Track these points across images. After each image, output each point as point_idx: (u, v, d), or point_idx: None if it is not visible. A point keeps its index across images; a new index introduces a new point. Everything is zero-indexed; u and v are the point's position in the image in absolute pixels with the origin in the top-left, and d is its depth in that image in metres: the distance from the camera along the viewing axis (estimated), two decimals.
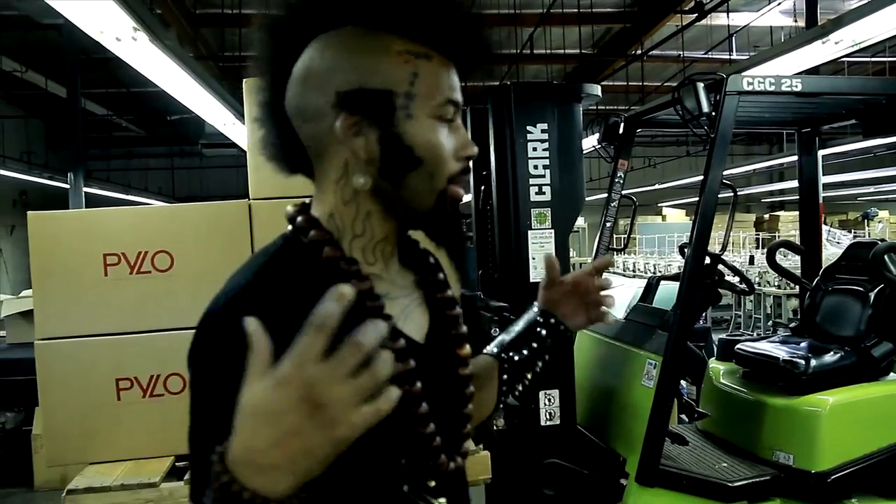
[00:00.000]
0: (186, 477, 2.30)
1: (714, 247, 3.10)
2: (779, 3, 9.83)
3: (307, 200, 0.95)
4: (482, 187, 3.20)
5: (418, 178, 0.88)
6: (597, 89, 2.71)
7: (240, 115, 5.83)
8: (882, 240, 3.79)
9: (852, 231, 17.57)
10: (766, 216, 21.06)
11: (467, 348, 1.01)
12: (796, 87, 2.71)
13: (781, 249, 4.13)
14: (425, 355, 0.93)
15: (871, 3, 3.43)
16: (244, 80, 2.54)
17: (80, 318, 2.41)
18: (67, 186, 9.77)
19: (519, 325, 1.25)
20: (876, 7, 3.37)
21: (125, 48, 3.20)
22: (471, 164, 0.95)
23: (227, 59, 10.52)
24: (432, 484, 0.91)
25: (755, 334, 9.54)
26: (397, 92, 0.86)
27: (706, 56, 11.35)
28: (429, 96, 0.87)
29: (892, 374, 3.01)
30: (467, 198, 2.40)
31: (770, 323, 9.88)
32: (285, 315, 0.77)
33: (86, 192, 10.16)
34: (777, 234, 17.15)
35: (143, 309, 2.45)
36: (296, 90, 0.90)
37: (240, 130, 6.69)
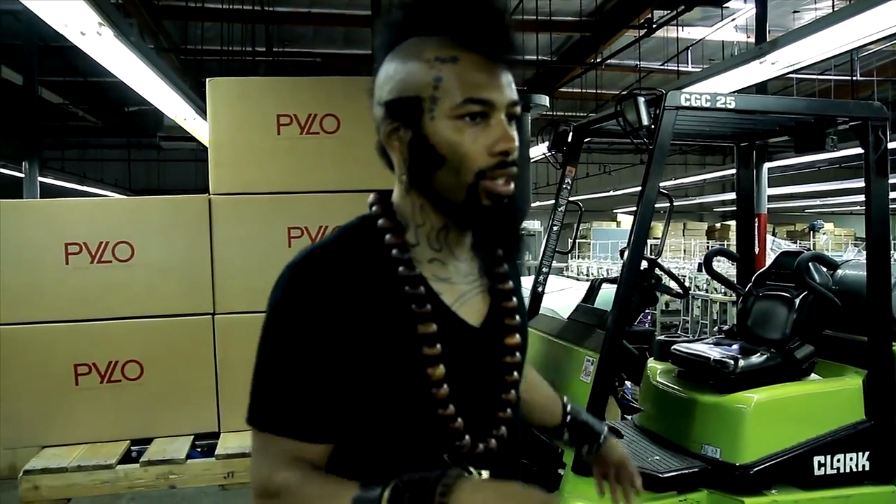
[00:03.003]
0: (142, 459, 2.39)
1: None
2: (732, 20, 10.17)
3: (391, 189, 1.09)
4: None
5: (445, 174, 0.97)
6: (545, 100, 2.86)
7: (201, 110, 5.86)
8: (808, 249, 4.01)
9: (798, 242, 18.12)
10: (718, 225, 21.59)
11: (516, 338, 1.09)
12: (730, 104, 2.90)
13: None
14: (478, 339, 1.05)
15: (804, 27, 3.66)
16: (207, 80, 2.63)
17: (40, 305, 2.49)
18: (18, 175, 9.63)
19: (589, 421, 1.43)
20: (809, 31, 3.60)
21: (89, 42, 3.25)
22: (513, 157, 0.99)
23: (189, 52, 10.49)
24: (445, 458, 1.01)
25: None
26: (424, 97, 0.97)
27: (661, 67, 11.66)
28: (450, 98, 0.96)
29: (812, 374, 3.22)
30: None
31: (716, 329, 10.18)
32: (345, 278, 0.98)
33: (39, 182, 10.03)
34: (727, 243, 17.60)
35: (103, 297, 2.53)
36: (373, 104, 1.05)
37: (200, 125, 6.70)
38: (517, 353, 1.09)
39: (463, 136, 0.96)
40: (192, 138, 8.77)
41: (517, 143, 1.00)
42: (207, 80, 2.66)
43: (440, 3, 0.98)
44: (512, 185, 1.00)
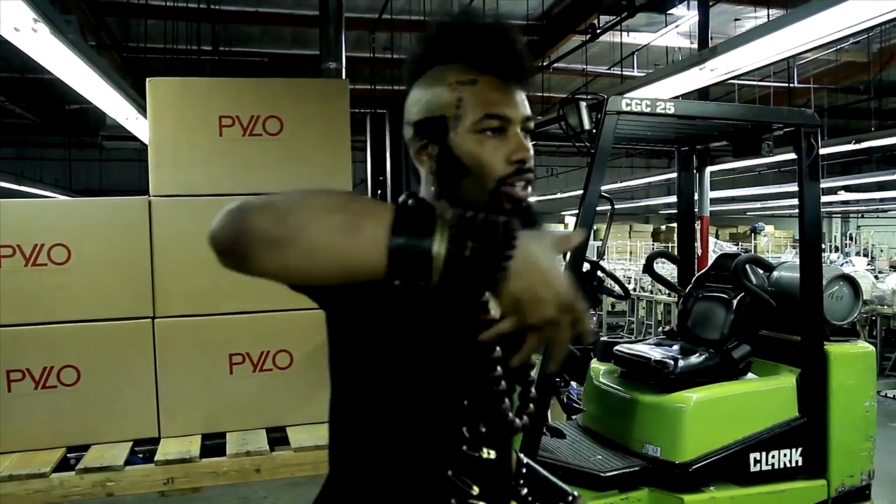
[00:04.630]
0: (78, 466, 2.33)
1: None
2: (676, 26, 10.38)
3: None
4: (379, 191, 3.34)
5: (469, 182, 1.09)
6: None
7: (143, 110, 5.73)
8: (749, 251, 4.12)
9: (740, 244, 18.54)
10: (664, 227, 21.98)
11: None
12: (669, 109, 2.97)
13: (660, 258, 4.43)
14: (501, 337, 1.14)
15: (741, 35, 3.77)
16: (148, 80, 2.59)
17: None
18: None
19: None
20: (746, 39, 3.70)
21: (24, 39, 3.16)
22: (528, 165, 1.10)
23: (133, 49, 10.26)
24: (483, 430, 1.10)
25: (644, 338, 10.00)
26: (448, 116, 1.10)
27: (608, 72, 11.83)
28: (471, 115, 1.08)
29: (749, 373, 3.31)
30: None
31: (660, 329, 10.39)
32: None
33: None
34: (672, 245, 17.93)
35: (38, 301, 2.47)
36: (403, 124, 1.17)
37: (143, 125, 6.56)
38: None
39: (484, 148, 1.08)
40: (135, 138, 8.57)
41: (532, 153, 1.11)
42: (148, 79, 2.62)
43: (458, 35, 1.11)
44: (529, 190, 1.11)
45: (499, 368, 1.07)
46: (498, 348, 1.07)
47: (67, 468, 2.38)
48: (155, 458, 2.39)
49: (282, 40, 11.71)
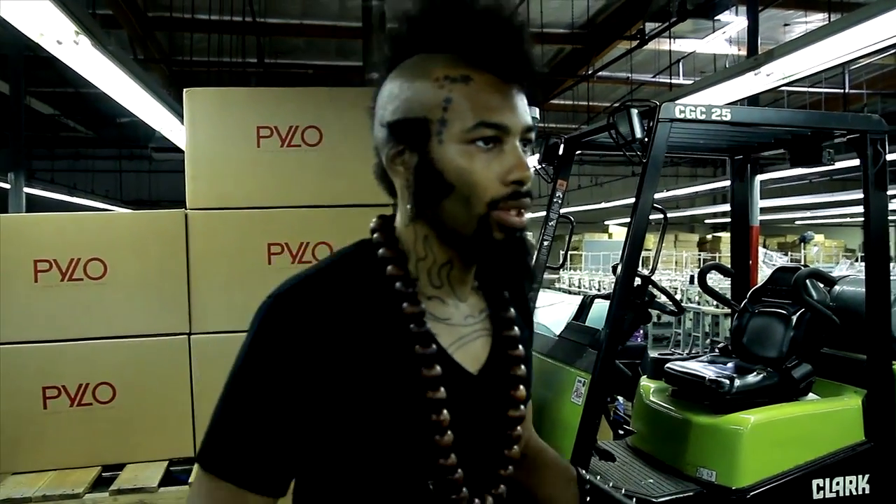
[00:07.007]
0: (111, 488, 2.27)
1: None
2: (723, 32, 10.14)
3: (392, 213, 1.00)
4: None
5: (453, 203, 0.89)
6: (535, 111, 2.77)
7: None
8: (805, 265, 3.94)
9: (789, 254, 18.06)
10: (709, 237, 21.56)
11: (521, 390, 1.00)
12: (725, 116, 2.82)
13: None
14: (476, 387, 0.96)
15: (799, 39, 3.61)
16: (185, 90, 2.54)
17: (8, 325, 2.37)
18: (7, 186, 9.53)
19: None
20: (804, 43, 3.54)
21: (66, 51, 3.17)
22: (527, 186, 0.91)
23: (180, 63, 10.40)
24: None
25: (692, 352, 9.76)
26: (432, 119, 0.89)
27: (653, 79, 11.63)
28: (461, 121, 0.88)
29: (810, 394, 3.13)
30: None
31: (708, 341, 10.12)
32: (335, 311, 0.88)
33: (27, 193, 9.90)
34: (718, 255, 17.55)
35: (74, 317, 2.42)
36: (374, 123, 0.96)
37: None
38: (522, 407, 1.01)
39: (474, 163, 0.88)
40: (183, 150, 8.63)
41: (532, 172, 0.91)
42: (185, 90, 2.57)
43: (450, 17, 0.90)
44: (525, 217, 0.92)
45: (453, 456, 0.91)
46: (450, 433, 0.90)
47: (103, 487, 2.33)
48: (190, 479, 2.32)
49: (326, 52, 11.79)
